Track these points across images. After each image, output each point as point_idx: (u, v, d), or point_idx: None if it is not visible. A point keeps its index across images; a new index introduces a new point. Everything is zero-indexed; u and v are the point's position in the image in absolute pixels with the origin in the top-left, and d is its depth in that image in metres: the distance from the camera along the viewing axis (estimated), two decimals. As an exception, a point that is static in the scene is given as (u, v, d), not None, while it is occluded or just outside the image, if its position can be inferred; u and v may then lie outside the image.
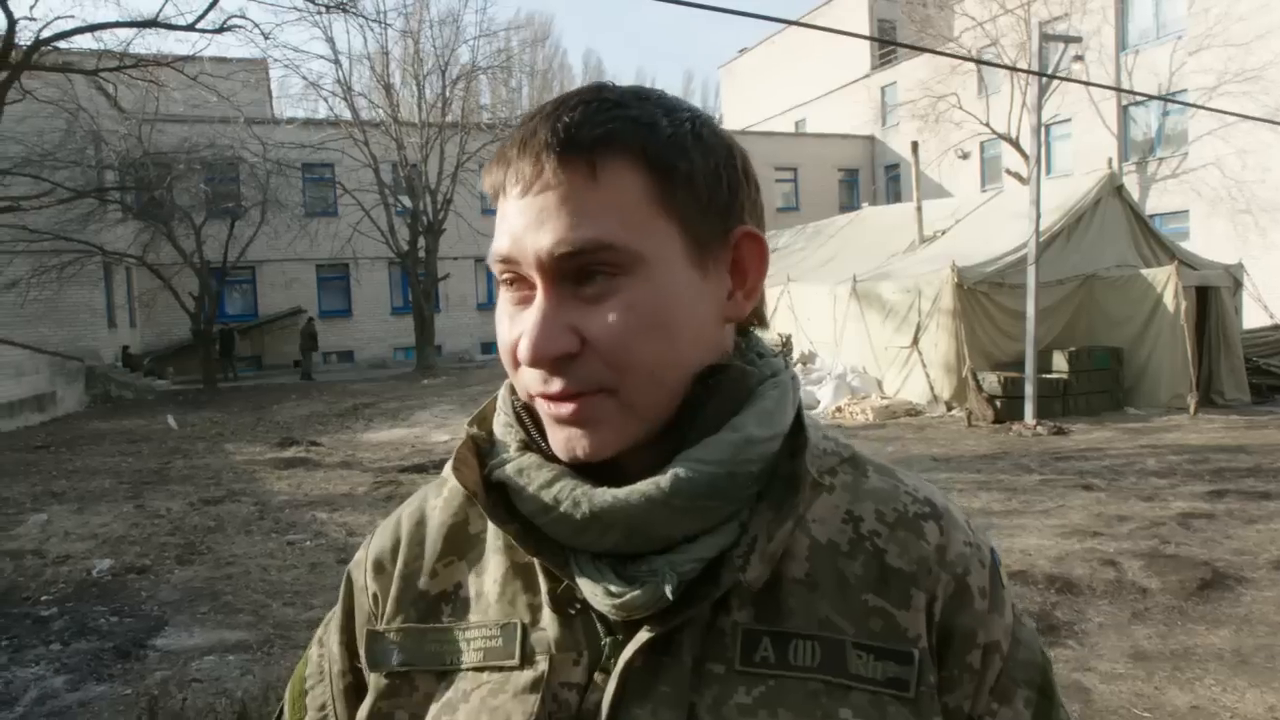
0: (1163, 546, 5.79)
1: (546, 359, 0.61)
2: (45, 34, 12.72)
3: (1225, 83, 20.20)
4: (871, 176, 33.90)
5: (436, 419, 13.90)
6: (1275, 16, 19.59)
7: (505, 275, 0.64)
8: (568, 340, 0.60)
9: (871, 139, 33.97)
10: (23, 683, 4.21)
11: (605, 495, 0.62)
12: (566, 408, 0.62)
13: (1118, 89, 21.44)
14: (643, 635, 0.62)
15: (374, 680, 0.71)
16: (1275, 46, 19.57)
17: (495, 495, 0.68)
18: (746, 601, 0.64)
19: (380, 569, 0.75)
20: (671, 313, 0.62)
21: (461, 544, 0.73)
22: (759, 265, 0.68)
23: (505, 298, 0.65)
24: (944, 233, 14.83)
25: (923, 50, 18.12)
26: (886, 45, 31.94)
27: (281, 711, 0.80)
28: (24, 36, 12.53)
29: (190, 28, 13.51)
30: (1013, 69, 18.17)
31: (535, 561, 0.67)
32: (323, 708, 0.76)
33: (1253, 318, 16.35)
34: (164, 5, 13.21)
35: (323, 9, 15.72)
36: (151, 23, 13.20)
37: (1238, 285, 13.58)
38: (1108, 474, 8.15)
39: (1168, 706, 3.66)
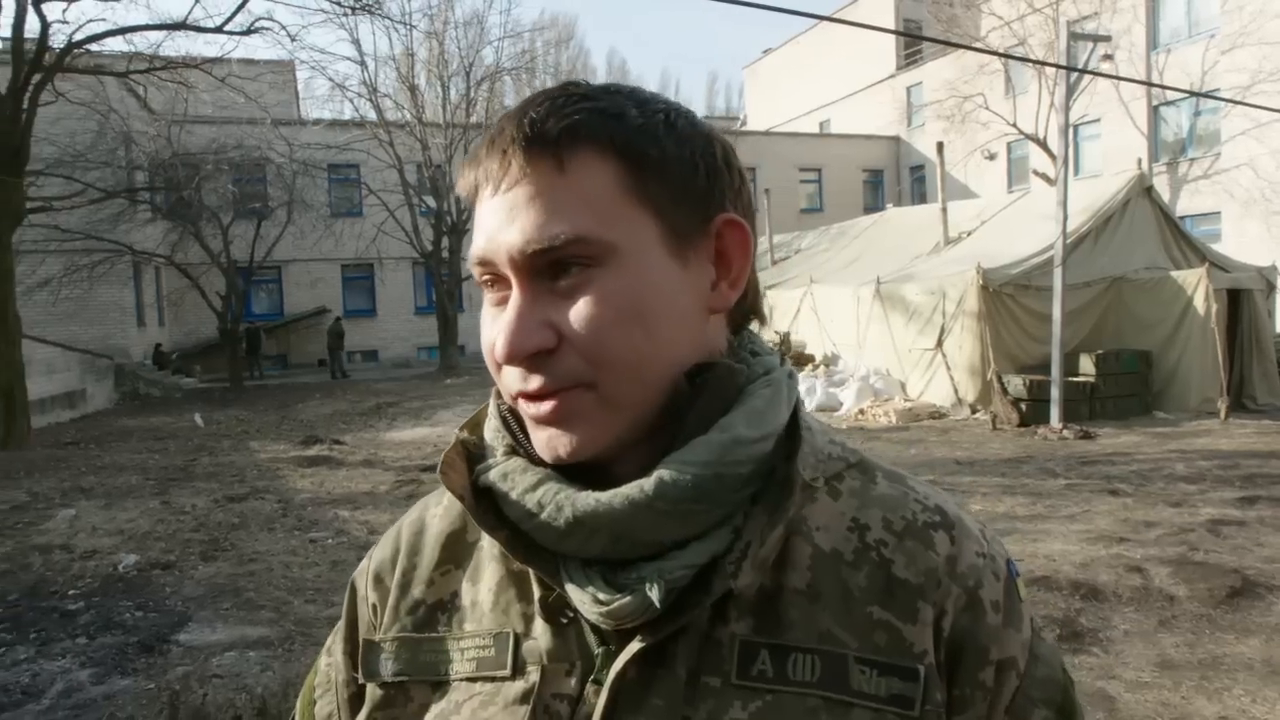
0: (1191, 553, 5.68)
1: (522, 354, 0.60)
2: (77, 37, 12.94)
3: (1260, 81, 19.86)
4: (896, 177, 33.70)
5: (459, 418, 13.84)
6: (1311, 14, 19.30)
7: (485, 277, 0.63)
8: (543, 335, 0.59)
9: (897, 140, 33.76)
10: (49, 675, 4.27)
11: (588, 499, 0.60)
12: (546, 405, 0.61)
13: (1148, 83, 21.12)
14: (634, 645, 0.60)
15: (370, 690, 0.70)
16: (1311, 44, 19.26)
17: (486, 502, 0.66)
18: (746, 612, 0.62)
19: (380, 579, 0.74)
20: (648, 303, 0.60)
21: (459, 552, 0.72)
22: (743, 253, 0.65)
23: (487, 299, 0.64)
24: (969, 234, 14.68)
25: (951, 46, 17.94)
26: (912, 46, 31.70)
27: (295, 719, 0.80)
28: (57, 40, 12.75)
29: (218, 30, 13.69)
30: (1041, 63, 17.93)
31: (529, 569, 0.66)
32: (329, 717, 0.76)
33: (1286, 321, 16.05)
34: (193, 8, 13.41)
35: (348, 11, 15.87)
36: (181, 25, 13.37)
37: (1271, 288, 13.32)
38: (1135, 479, 8.01)
39: (1195, 717, 3.58)
